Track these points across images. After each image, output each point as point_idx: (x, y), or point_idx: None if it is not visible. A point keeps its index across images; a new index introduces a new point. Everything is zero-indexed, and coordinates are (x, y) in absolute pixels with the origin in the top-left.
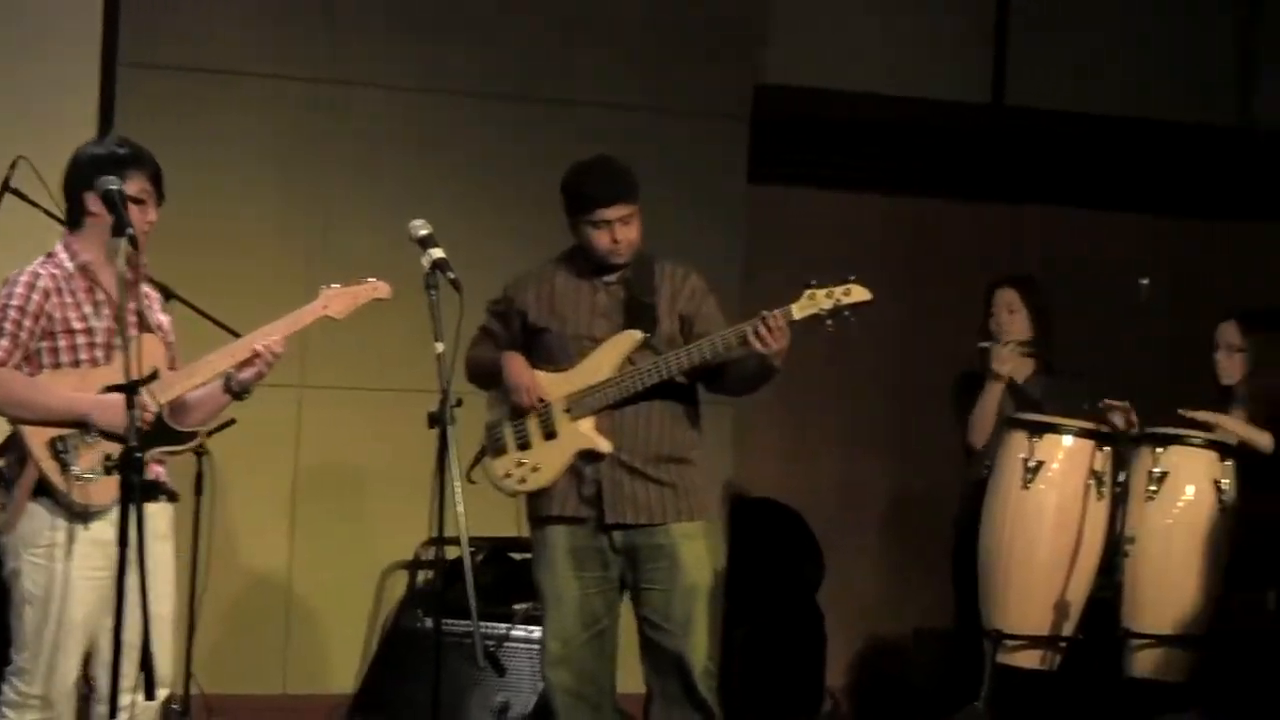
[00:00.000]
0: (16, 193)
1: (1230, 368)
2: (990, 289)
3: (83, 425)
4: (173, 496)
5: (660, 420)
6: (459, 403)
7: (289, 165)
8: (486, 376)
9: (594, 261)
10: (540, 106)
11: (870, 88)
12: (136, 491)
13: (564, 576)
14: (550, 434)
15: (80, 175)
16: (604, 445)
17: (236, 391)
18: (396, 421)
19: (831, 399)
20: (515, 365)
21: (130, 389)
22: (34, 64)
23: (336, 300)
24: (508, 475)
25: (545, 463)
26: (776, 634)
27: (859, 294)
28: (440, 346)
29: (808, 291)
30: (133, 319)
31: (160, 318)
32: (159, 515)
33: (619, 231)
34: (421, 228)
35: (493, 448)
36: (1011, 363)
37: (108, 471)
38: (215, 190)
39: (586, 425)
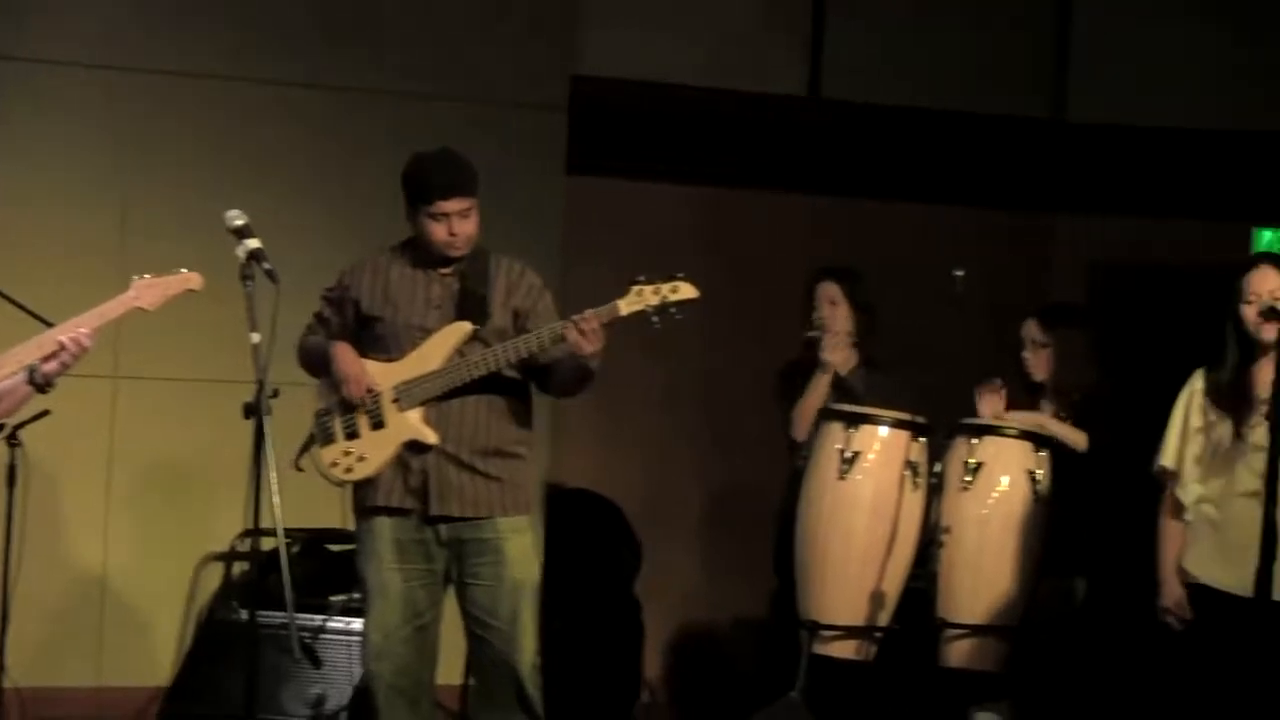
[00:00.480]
0: None
1: (1037, 364)
2: (811, 282)
3: None
4: None
5: (488, 414)
6: (275, 393)
7: (97, 156)
8: (317, 365)
9: (431, 253)
10: (355, 97)
11: (687, 79)
12: None
13: (388, 568)
14: (378, 424)
15: None
16: (430, 436)
17: (40, 384)
18: (213, 412)
19: (647, 390)
20: (344, 355)
21: None
22: None
23: (148, 292)
24: (334, 464)
25: (372, 452)
26: (593, 625)
27: (686, 291)
28: (256, 337)
29: (635, 287)
30: None
31: None
32: None
33: (456, 225)
34: (237, 218)
35: (321, 436)
36: (839, 354)
37: None
38: (22, 182)
39: (414, 416)
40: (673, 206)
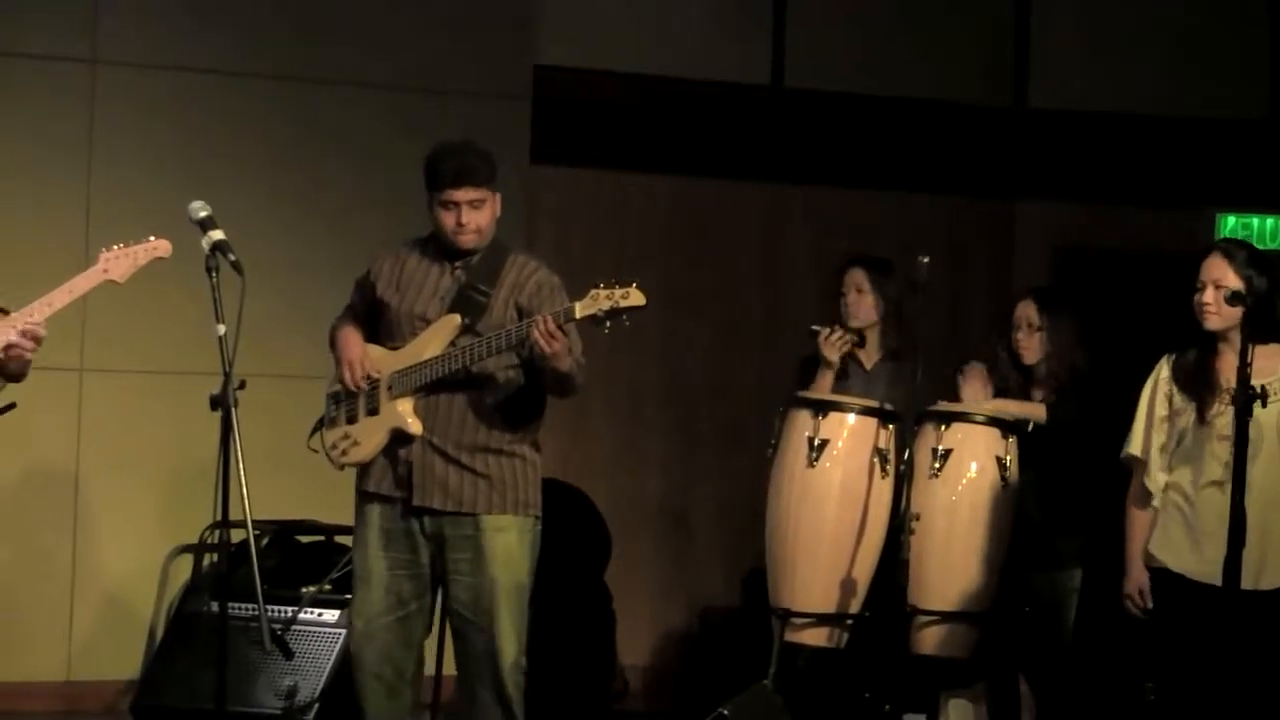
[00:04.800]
0: None
1: (1030, 346)
2: (841, 269)
3: None
4: None
5: (480, 410)
6: (242, 385)
7: (56, 148)
8: (333, 348)
9: (444, 243)
10: (321, 88)
11: (650, 69)
12: None
13: (373, 555)
14: (373, 410)
15: None
16: (414, 426)
17: (13, 375)
18: (180, 404)
19: (612, 381)
20: (347, 339)
21: None
22: None
23: (116, 263)
24: (334, 447)
25: (365, 438)
26: (565, 615)
27: (635, 299)
28: (222, 328)
29: (592, 291)
30: None
31: None
32: None
33: (465, 214)
34: (201, 209)
35: (327, 419)
36: (841, 350)
37: None
38: None
39: (404, 405)
40: (636, 196)
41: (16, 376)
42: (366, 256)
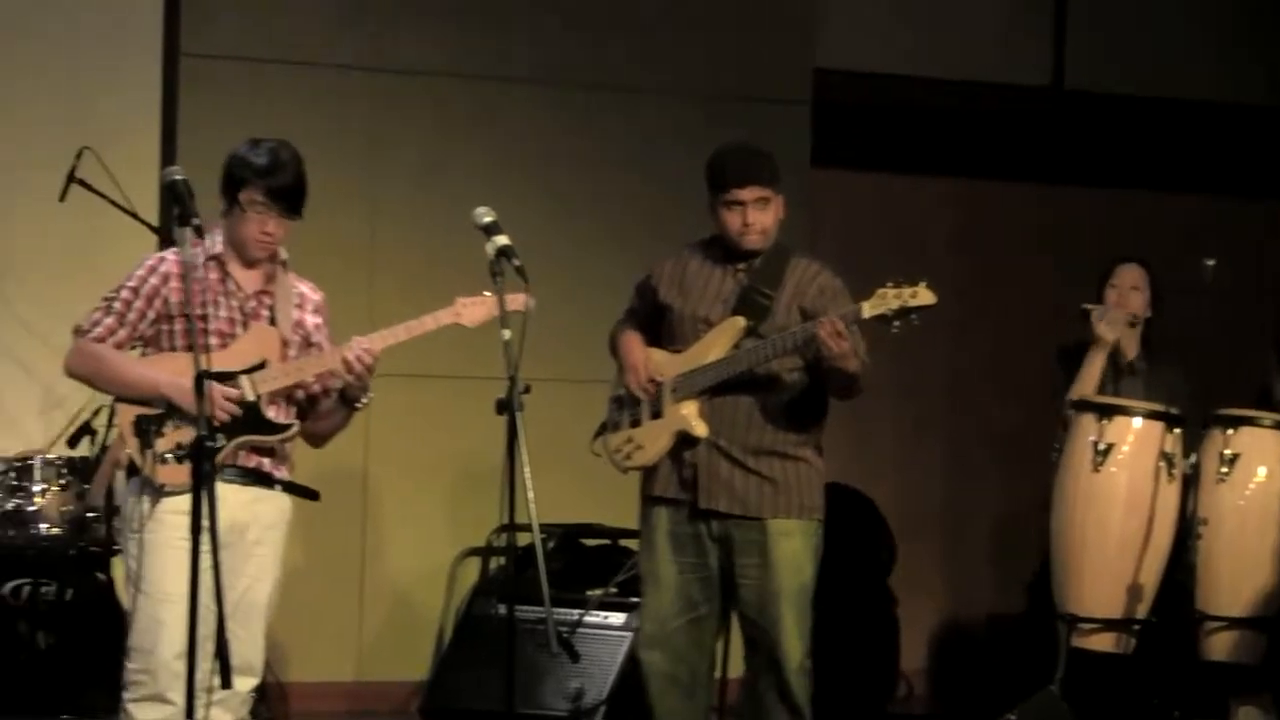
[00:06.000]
0: (82, 183)
1: None
2: (1113, 263)
3: (169, 406)
4: (295, 489)
5: (765, 413)
6: (527, 389)
7: (347, 154)
8: (615, 352)
9: (728, 246)
10: (601, 94)
11: (928, 71)
12: (211, 478)
13: (663, 559)
14: (657, 413)
15: (225, 172)
16: (699, 429)
17: (350, 400)
18: (467, 408)
19: (895, 384)
20: (629, 344)
21: (200, 378)
22: (97, 55)
23: (471, 310)
24: (618, 451)
25: (649, 442)
26: (849, 619)
27: (924, 297)
28: (507, 334)
29: (879, 291)
30: (264, 311)
31: (306, 317)
32: (268, 503)
33: (751, 214)
34: (485, 215)
35: (611, 423)
36: (1117, 330)
37: (178, 459)
38: None
39: (689, 408)
40: (916, 199)
41: (352, 401)
42: (647, 261)
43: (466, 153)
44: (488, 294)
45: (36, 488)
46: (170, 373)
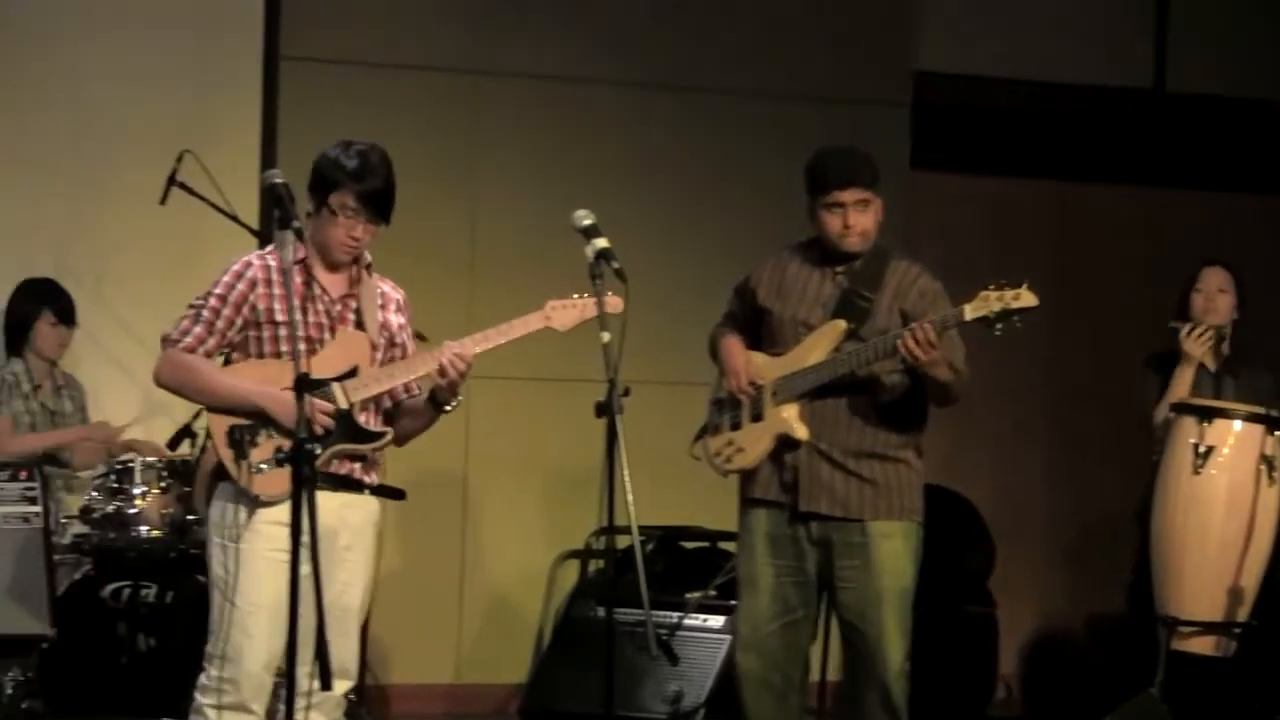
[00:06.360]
0: (183, 186)
1: None
2: (1200, 266)
3: (261, 416)
4: (384, 492)
5: (866, 415)
6: (627, 392)
7: (447, 157)
8: (714, 356)
9: (827, 248)
10: (698, 97)
11: (1029, 74)
12: (311, 485)
13: (760, 562)
14: (757, 416)
15: (314, 173)
16: (800, 432)
17: (439, 403)
18: (566, 411)
19: (994, 387)
20: (730, 347)
21: (300, 385)
22: (198, 58)
23: (561, 313)
24: (718, 454)
25: (749, 444)
26: (948, 622)
27: (1026, 299)
28: (606, 336)
29: (982, 293)
30: (349, 314)
31: (391, 318)
32: (357, 508)
33: (851, 216)
34: (585, 218)
35: (711, 426)
36: (1204, 346)
37: (279, 463)
38: None
39: (790, 411)
40: (1015, 201)
41: (441, 405)
42: (745, 264)
43: (566, 156)
44: (578, 297)
45: (137, 490)
46: (260, 380)
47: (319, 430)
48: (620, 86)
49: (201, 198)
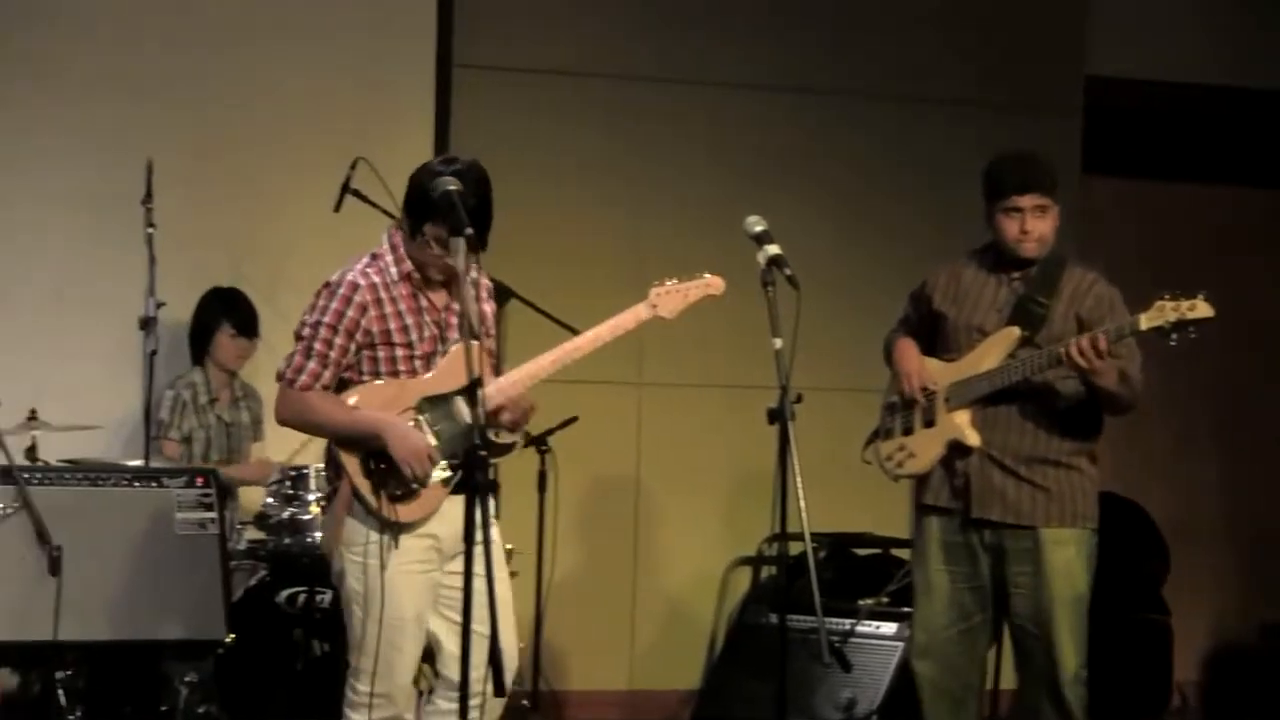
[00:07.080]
0: (357, 193)
1: None
2: None
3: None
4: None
5: (1039, 421)
6: (799, 398)
7: (616, 164)
8: (888, 360)
9: (1004, 254)
10: (873, 105)
11: (1200, 78)
12: (485, 492)
13: (935, 568)
14: (930, 421)
15: (414, 191)
16: (972, 438)
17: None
18: (737, 417)
19: (1166, 393)
20: (904, 351)
21: (471, 390)
22: (371, 66)
23: (666, 299)
24: (889, 458)
25: (921, 450)
26: (1123, 629)
27: (1202, 310)
28: (778, 342)
29: (1157, 303)
30: (453, 319)
31: (485, 308)
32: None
33: (1029, 221)
34: (757, 224)
35: (883, 430)
36: None
37: (454, 470)
38: (546, 191)
39: (962, 416)
40: (1188, 206)
41: (513, 426)
42: (919, 270)
43: (738, 162)
44: (672, 281)
45: (311, 496)
46: (381, 404)
47: (420, 472)
48: (795, 93)
49: (375, 205)
